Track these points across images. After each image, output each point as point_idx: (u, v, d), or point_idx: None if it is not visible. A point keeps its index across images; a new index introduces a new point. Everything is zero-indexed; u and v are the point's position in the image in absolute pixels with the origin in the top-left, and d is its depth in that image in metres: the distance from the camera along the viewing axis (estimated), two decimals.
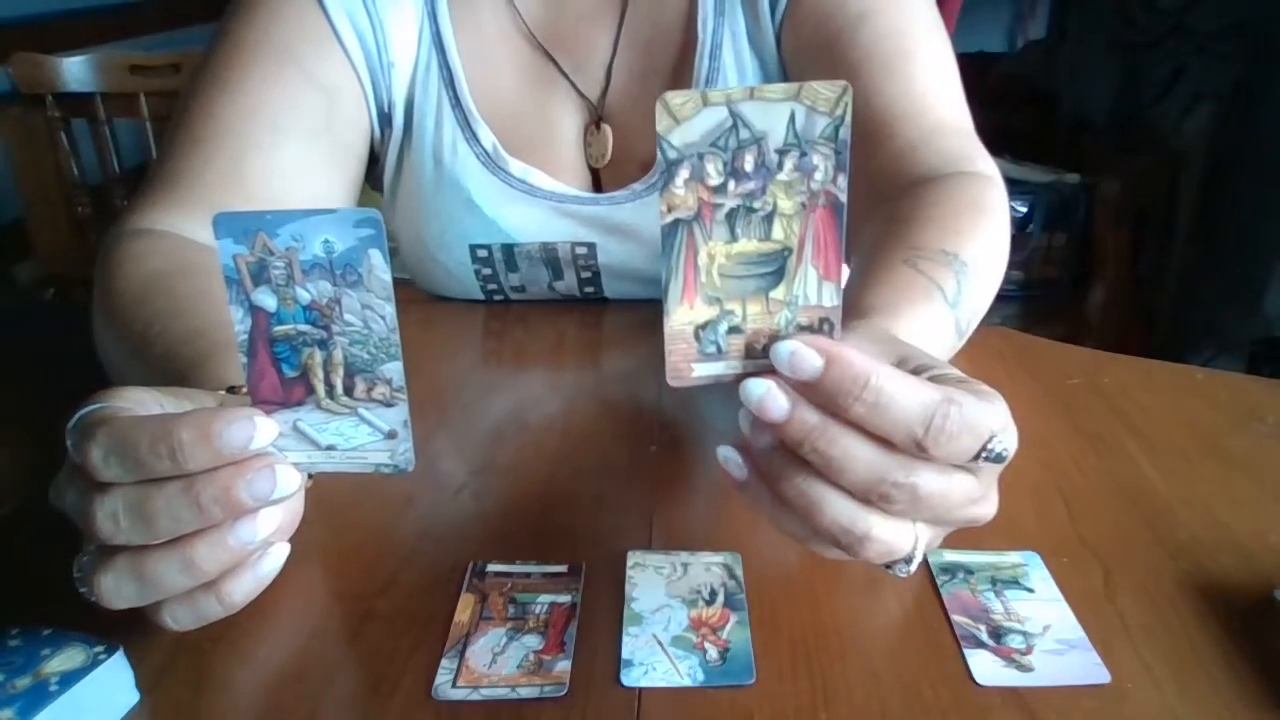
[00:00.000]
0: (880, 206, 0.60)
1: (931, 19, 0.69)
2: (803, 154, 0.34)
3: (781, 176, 0.34)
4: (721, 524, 0.47)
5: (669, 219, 0.35)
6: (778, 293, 0.36)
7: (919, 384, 0.34)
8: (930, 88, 0.66)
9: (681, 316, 0.36)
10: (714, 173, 0.34)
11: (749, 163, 0.34)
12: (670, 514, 0.48)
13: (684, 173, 0.34)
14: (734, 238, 0.35)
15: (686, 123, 0.34)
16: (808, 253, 0.35)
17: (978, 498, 0.36)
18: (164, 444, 0.33)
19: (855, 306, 0.46)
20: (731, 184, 0.34)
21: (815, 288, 0.36)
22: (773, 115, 0.34)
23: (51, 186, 1.84)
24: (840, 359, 0.33)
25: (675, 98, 0.33)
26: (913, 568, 0.37)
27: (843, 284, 0.36)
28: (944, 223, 0.55)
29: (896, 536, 0.35)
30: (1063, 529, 0.46)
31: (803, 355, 0.34)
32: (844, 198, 0.35)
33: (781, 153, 0.34)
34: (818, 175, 0.34)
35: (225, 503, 0.34)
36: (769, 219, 0.35)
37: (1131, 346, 0.66)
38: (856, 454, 0.34)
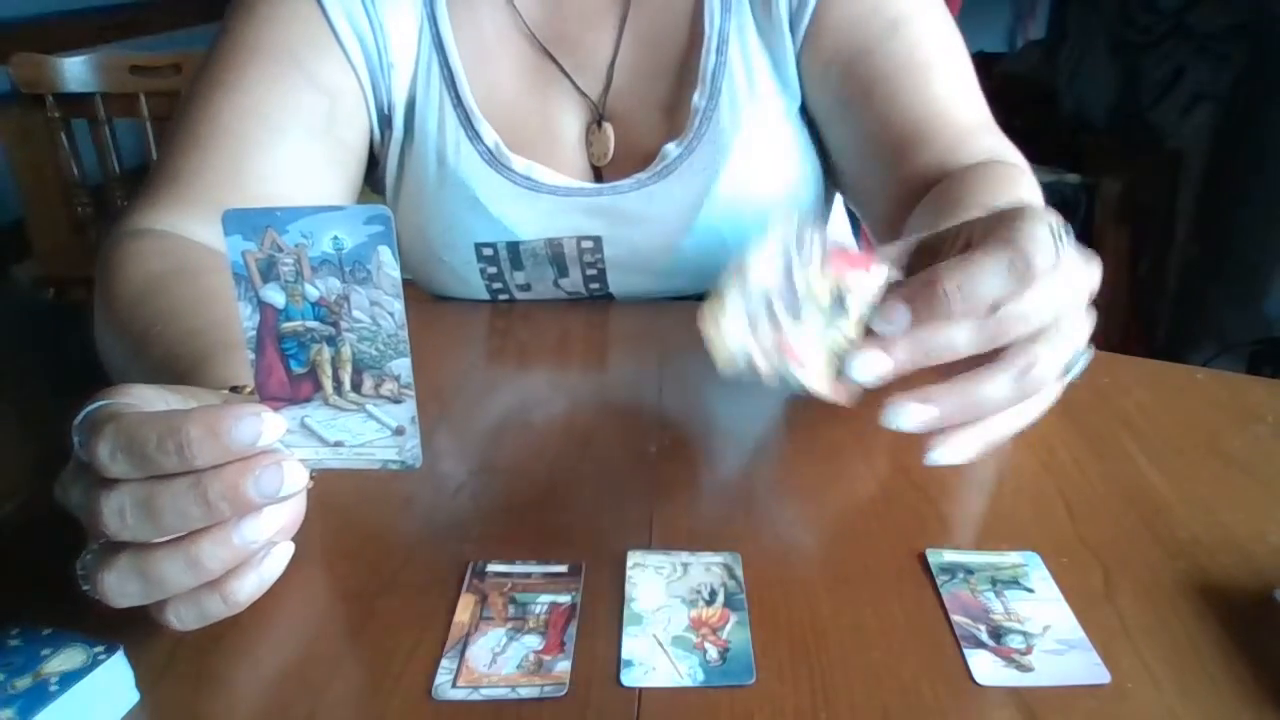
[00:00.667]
0: (923, 201, 0.64)
1: (948, 19, 0.71)
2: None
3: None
4: (721, 524, 0.47)
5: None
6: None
7: (976, 258, 0.37)
8: (958, 89, 0.69)
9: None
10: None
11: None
12: (670, 514, 0.48)
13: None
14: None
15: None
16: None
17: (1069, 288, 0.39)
18: (172, 440, 0.33)
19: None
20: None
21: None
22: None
23: (51, 186, 1.84)
24: (918, 293, 0.37)
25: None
26: (1082, 363, 0.41)
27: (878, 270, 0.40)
28: (993, 184, 0.59)
29: (1053, 352, 0.38)
30: (1063, 529, 0.46)
31: (893, 309, 0.38)
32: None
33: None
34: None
35: (233, 499, 0.35)
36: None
37: (1131, 346, 0.66)
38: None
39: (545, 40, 0.73)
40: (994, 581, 0.43)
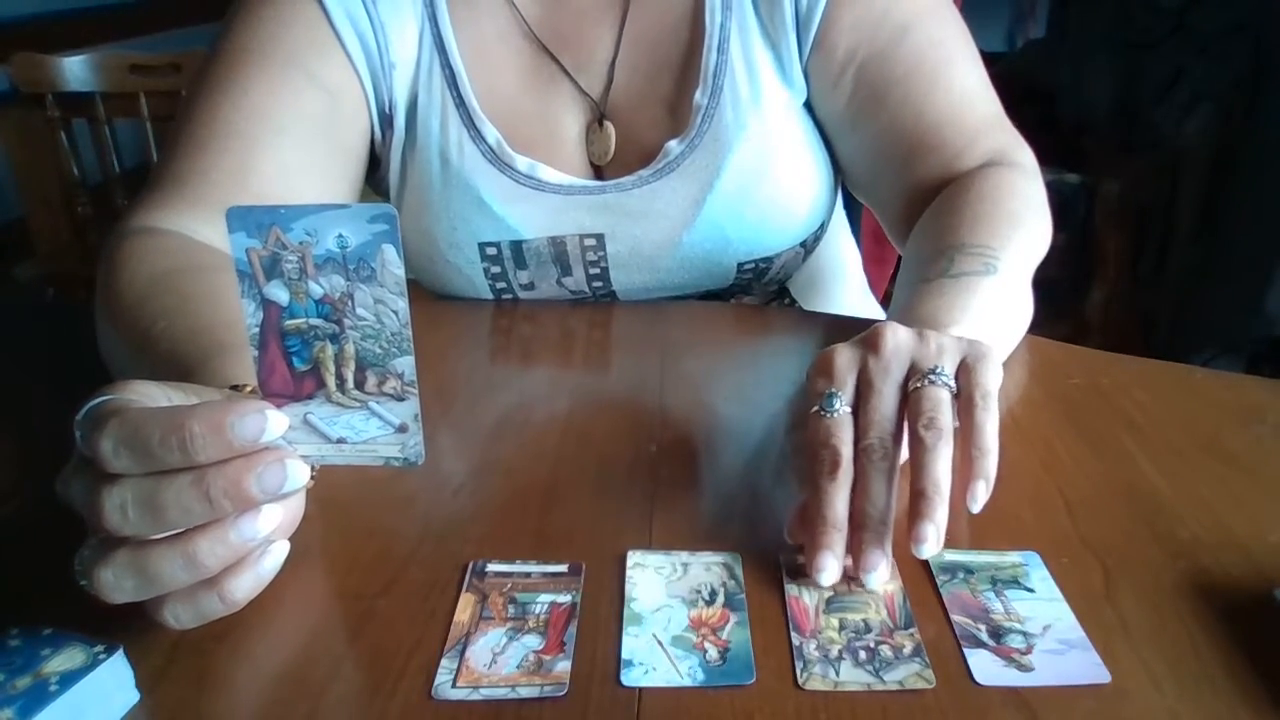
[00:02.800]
0: (926, 210, 0.67)
1: (956, 15, 0.72)
2: None
3: None
4: (721, 524, 0.47)
5: None
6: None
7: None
8: (969, 88, 0.71)
9: None
10: None
11: None
12: (670, 514, 0.48)
13: None
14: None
15: None
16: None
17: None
18: (175, 436, 0.33)
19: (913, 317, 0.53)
20: None
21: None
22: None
23: (51, 186, 1.84)
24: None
25: None
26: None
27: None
28: (982, 207, 0.62)
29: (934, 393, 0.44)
30: (1063, 529, 0.46)
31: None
32: None
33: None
34: None
35: (235, 496, 0.35)
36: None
37: (1131, 346, 0.66)
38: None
39: (545, 39, 0.73)
40: (994, 581, 0.43)
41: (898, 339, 0.46)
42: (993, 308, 0.55)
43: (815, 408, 0.45)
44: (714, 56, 0.71)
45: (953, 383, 0.45)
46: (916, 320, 0.52)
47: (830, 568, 0.41)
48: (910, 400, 0.44)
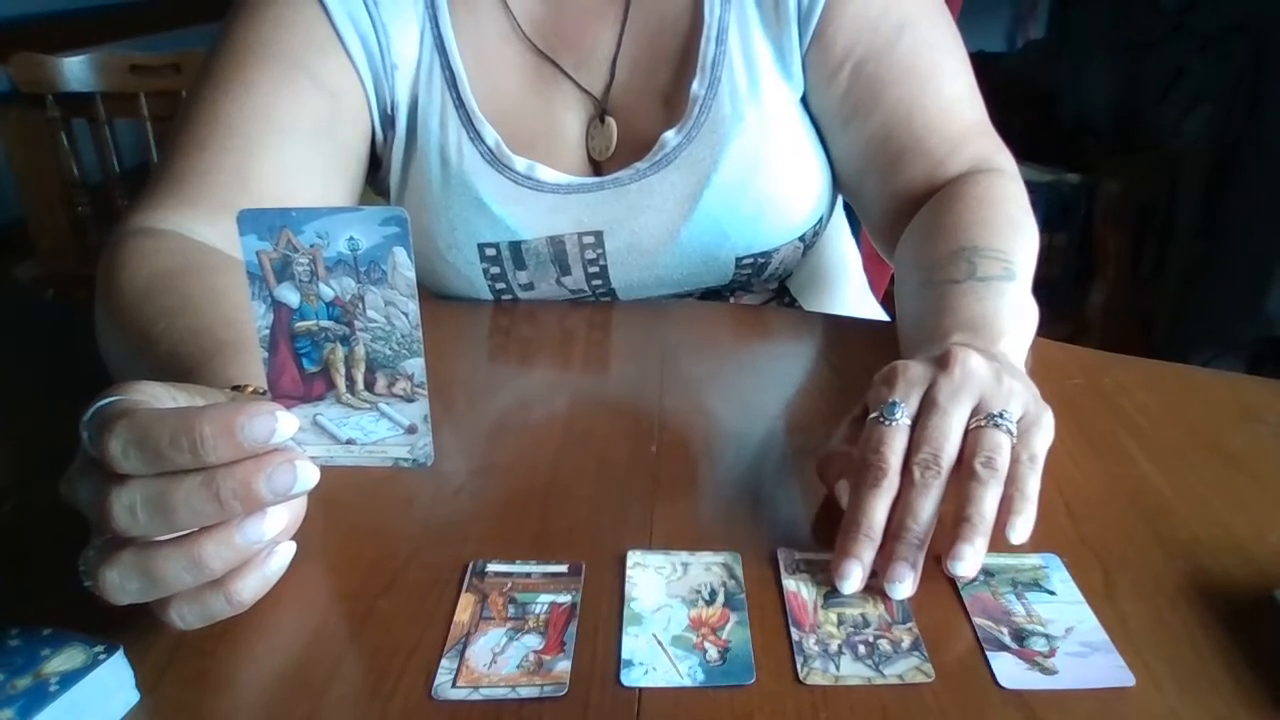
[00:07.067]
0: (913, 219, 0.67)
1: (949, 20, 0.73)
2: None
3: None
4: (721, 524, 0.47)
5: None
6: None
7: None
8: (957, 93, 0.71)
9: None
10: None
11: None
12: (670, 514, 0.48)
13: None
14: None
15: None
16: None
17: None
18: (186, 437, 0.33)
19: (941, 333, 0.53)
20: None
21: None
22: None
23: (51, 186, 1.84)
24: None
25: None
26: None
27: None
28: (970, 214, 0.63)
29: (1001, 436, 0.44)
30: (1063, 529, 0.46)
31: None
32: None
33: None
34: None
35: (245, 497, 0.35)
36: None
37: (1131, 346, 0.66)
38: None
39: (546, 39, 0.73)
40: (1014, 584, 0.42)
41: (972, 365, 0.45)
42: (1020, 314, 0.56)
43: (875, 414, 0.45)
44: (712, 47, 0.71)
45: (1015, 429, 0.44)
46: (966, 325, 0.52)
47: (854, 576, 0.41)
48: (972, 435, 0.44)
